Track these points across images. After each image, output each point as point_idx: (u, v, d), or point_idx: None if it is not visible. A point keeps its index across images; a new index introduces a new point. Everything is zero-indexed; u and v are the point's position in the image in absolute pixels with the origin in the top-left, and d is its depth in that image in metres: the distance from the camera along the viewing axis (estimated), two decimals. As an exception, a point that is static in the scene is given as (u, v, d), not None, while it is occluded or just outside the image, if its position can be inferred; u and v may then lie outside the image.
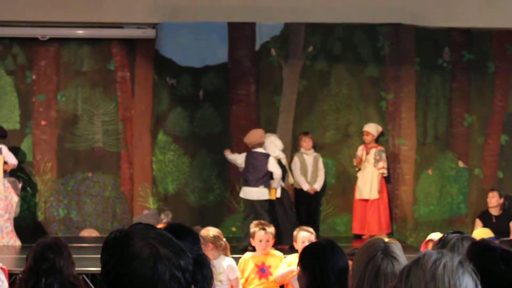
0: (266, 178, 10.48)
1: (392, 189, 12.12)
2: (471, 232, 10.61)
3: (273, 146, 10.93)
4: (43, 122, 12.40)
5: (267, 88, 12.19)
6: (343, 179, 12.25)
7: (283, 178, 10.94)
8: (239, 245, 9.95)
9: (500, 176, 12.39)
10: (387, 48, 12.21)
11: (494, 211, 11.64)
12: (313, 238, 7.62)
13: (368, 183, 11.84)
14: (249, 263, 7.99)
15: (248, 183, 10.52)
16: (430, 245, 7.36)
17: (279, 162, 10.85)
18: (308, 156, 11.84)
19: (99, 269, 2.09)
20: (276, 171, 10.52)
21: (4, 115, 12.30)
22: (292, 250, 8.54)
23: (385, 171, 11.92)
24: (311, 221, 11.00)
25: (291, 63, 12.22)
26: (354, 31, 12.23)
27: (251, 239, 8.11)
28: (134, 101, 12.47)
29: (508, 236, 11.03)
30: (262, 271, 7.96)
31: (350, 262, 3.76)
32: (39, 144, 12.40)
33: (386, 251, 3.24)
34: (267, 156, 10.57)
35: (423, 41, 12.21)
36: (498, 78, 12.43)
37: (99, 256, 2.13)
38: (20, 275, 5.57)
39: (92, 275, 9.07)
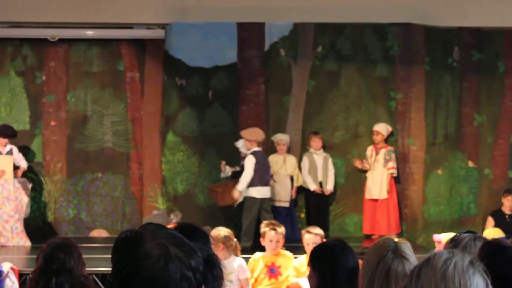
0: None
1: (401, 189, 12.09)
2: (482, 232, 10.58)
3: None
4: (53, 123, 12.42)
5: (276, 88, 12.17)
6: (352, 179, 12.23)
7: None
8: (243, 242, 9.95)
9: (510, 176, 12.35)
10: (397, 48, 12.18)
11: (508, 210, 11.60)
12: (318, 239, 7.58)
13: (378, 183, 11.83)
14: (259, 263, 7.98)
15: (265, 182, 10.65)
16: (437, 245, 7.36)
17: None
18: (318, 156, 11.83)
19: (109, 269, 2.09)
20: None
21: (14, 116, 12.34)
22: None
23: (394, 171, 11.90)
24: (320, 221, 11.00)
25: (300, 63, 12.20)
26: (364, 31, 12.21)
27: (261, 239, 8.10)
28: (144, 102, 12.48)
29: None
30: (272, 271, 7.95)
31: (360, 261, 3.75)
32: (49, 145, 12.42)
33: (397, 251, 3.23)
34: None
35: (433, 40, 12.17)
36: (508, 77, 12.39)
37: (109, 256, 2.13)
38: (30, 275, 5.58)
39: (102, 275, 9.09)
